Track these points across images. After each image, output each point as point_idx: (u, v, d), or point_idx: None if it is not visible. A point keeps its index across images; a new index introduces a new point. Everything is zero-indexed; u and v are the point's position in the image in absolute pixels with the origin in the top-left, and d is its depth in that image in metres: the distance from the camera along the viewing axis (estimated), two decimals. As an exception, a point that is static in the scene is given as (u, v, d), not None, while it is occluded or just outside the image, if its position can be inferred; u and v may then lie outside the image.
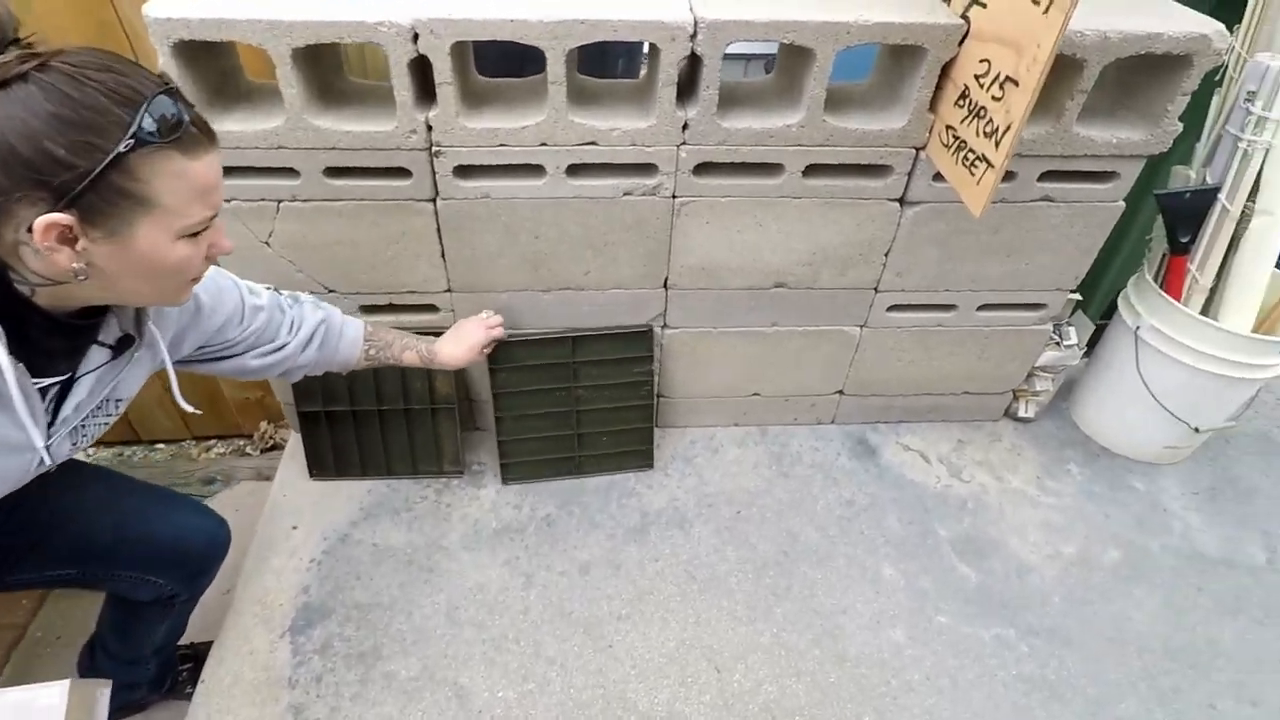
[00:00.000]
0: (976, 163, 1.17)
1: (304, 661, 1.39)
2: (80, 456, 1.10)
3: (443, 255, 1.44)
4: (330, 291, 1.47)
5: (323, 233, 1.37)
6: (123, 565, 1.18)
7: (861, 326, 1.65)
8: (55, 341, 0.84)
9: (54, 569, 1.13)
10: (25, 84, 0.65)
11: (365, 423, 1.63)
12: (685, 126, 1.28)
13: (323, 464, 1.67)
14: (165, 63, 1.14)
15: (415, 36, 1.15)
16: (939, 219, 1.45)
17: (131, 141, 0.69)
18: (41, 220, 0.67)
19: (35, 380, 0.81)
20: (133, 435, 2.17)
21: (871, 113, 1.35)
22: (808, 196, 1.40)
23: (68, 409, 0.88)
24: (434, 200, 1.35)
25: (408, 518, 1.63)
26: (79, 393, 0.88)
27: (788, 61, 1.37)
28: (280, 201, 1.33)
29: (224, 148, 1.23)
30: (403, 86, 1.20)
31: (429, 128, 1.25)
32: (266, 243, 1.38)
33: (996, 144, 1.12)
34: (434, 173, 1.31)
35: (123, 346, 0.92)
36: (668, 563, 1.56)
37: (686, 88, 1.27)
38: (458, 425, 1.66)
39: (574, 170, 1.33)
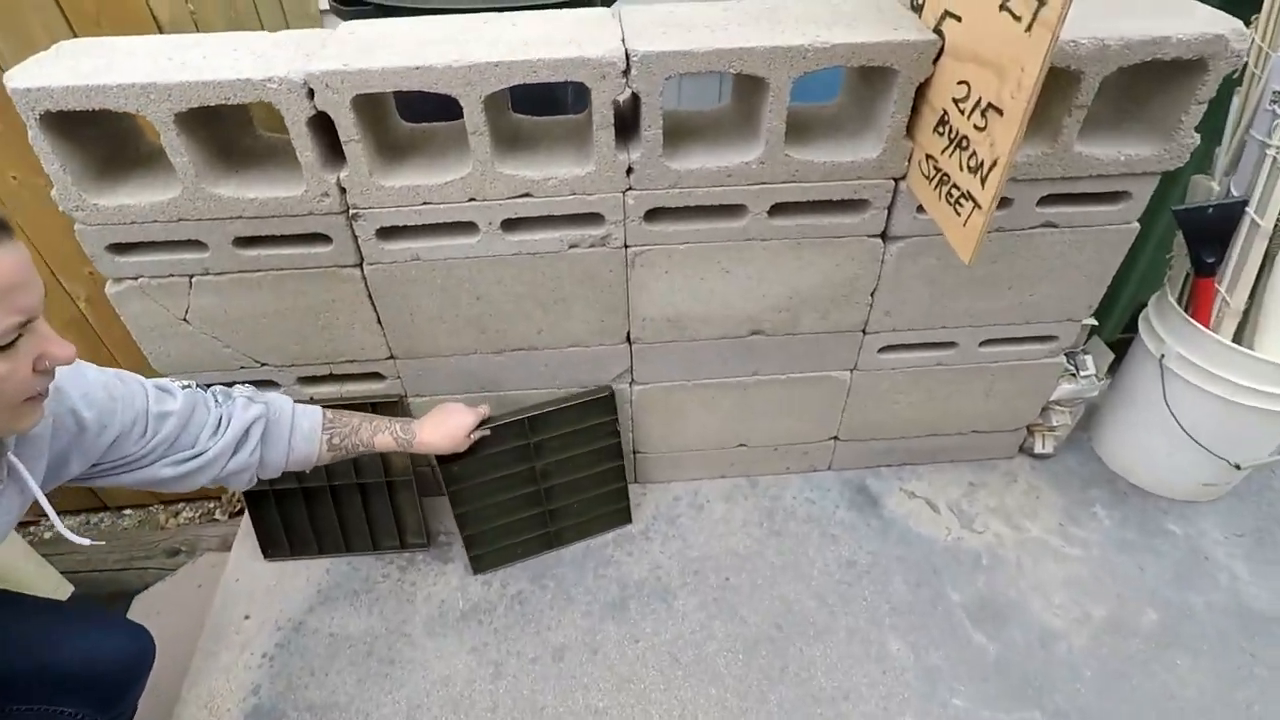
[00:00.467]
0: (962, 201, 1.01)
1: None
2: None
3: (379, 321, 1.31)
4: (263, 365, 1.35)
5: (243, 305, 1.25)
6: (19, 699, 1.06)
7: (852, 370, 1.49)
8: None
9: None
10: None
11: (317, 499, 1.51)
12: (630, 170, 1.14)
13: (276, 544, 1.55)
14: (34, 136, 1.02)
15: (311, 93, 1.02)
16: (928, 253, 1.29)
17: None
18: None
19: None
20: (98, 503, 2.08)
21: (842, 140, 1.19)
22: (776, 238, 1.25)
23: None
24: (360, 265, 1.22)
25: (368, 600, 1.50)
26: None
27: (742, 87, 1.22)
28: (192, 276, 1.21)
29: (118, 223, 1.13)
30: (305, 147, 1.07)
31: (342, 189, 1.12)
32: (184, 319, 1.26)
33: (983, 181, 0.96)
34: (355, 237, 1.18)
35: None
36: (649, 644, 1.41)
37: (629, 126, 1.13)
38: (416, 496, 1.53)
39: (510, 225, 1.19)
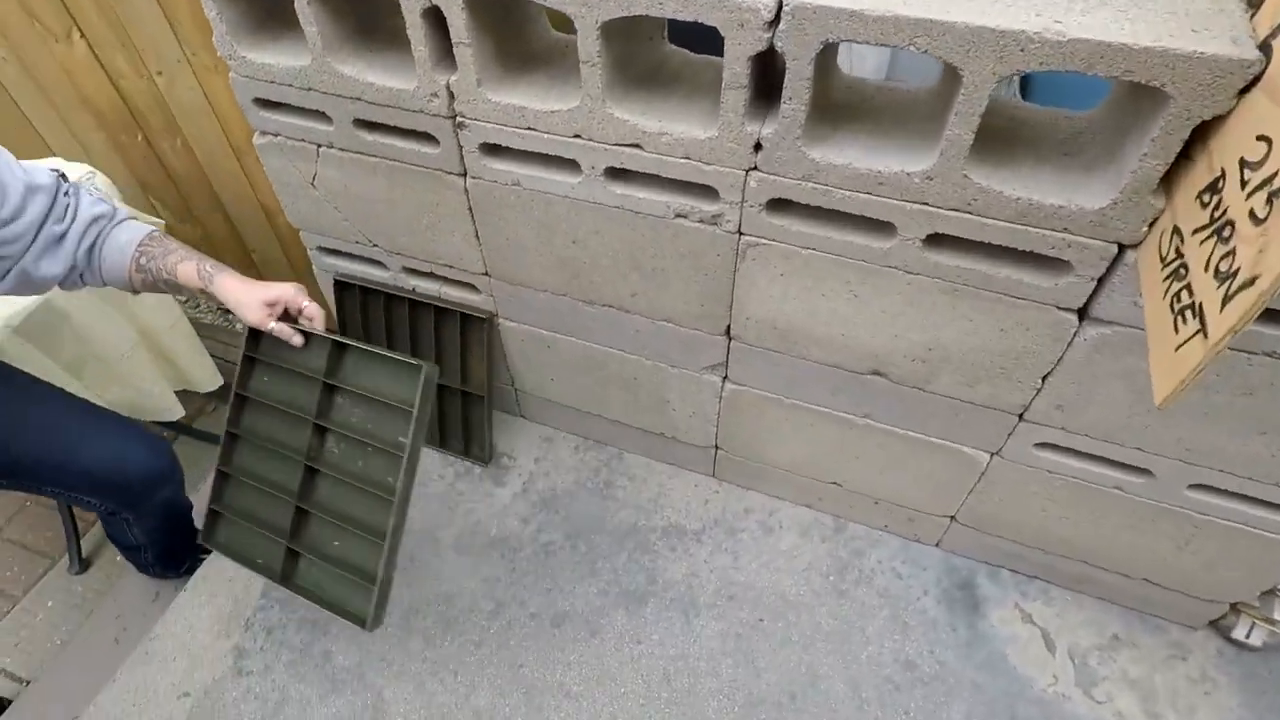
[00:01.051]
0: (1187, 314, 0.69)
1: (265, 607, 1.39)
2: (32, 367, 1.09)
3: (477, 236, 1.24)
4: (374, 246, 1.36)
5: (360, 186, 1.24)
6: (48, 483, 1.21)
7: (993, 455, 1.18)
8: None
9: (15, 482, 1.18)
10: None
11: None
12: (758, 147, 0.92)
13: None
14: (197, -20, 1.04)
15: (428, -20, 0.91)
16: (1141, 353, 0.93)
17: None
18: None
19: None
20: None
21: (1063, 173, 0.86)
22: (928, 275, 0.96)
23: None
24: (464, 176, 1.14)
25: (418, 494, 1.52)
26: None
27: (948, 72, 0.92)
28: (319, 146, 1.21)
29: (263, 80, 1.14)
30: (419, 40, 0.98)
31: (451, 94, 1.03)
32: (312, 184, 1.28)
33: (1225, 298, 0.63)
34: (460, 146, 1.10)
35: None
36: (649, 651, 1.31)
37: (771, 91, 0.90)
38: (488, 413, 1.50)
39: (614, 174, 1.04)
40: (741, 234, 1.03)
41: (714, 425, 1.39)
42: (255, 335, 1.13)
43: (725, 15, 0.81)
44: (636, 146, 0.98)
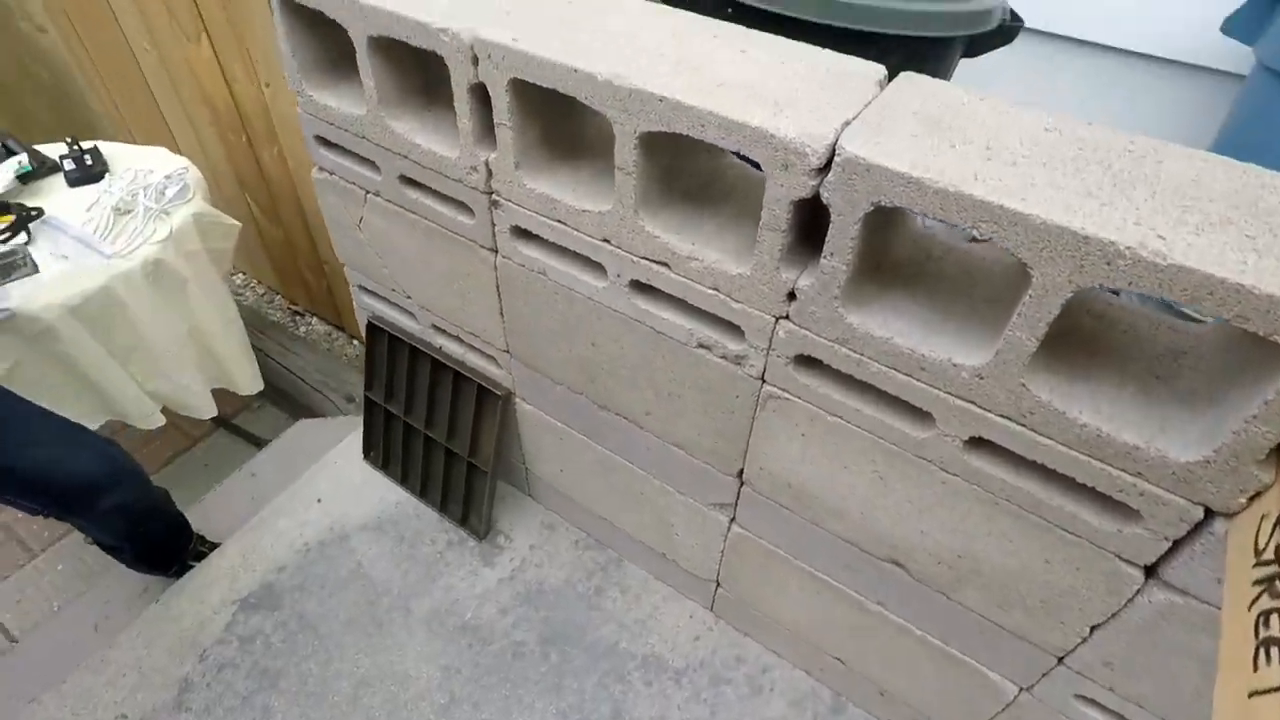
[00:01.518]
0: (1272, 652, 0.52)
1: (225, 641, 1.34)
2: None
3: (501, 313, 1.17)
4: (408, 298, 1.32)
5: (400, 239, 1.21)
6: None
7: (1022, 689, 0.99)
8: None
9: None
10: None
11: (413, 436, 1.49)
12: (792, 296, 0.81)
13: (373, 450, 1.59)
14: (276, 17, 1.03)
15: (475, 59, 0.86)
16: (1217, 632, 0.74)
17: None
18: None
19: None
20: (339, 323, 2.32)
21: (1146, 402, 0.70)
22: (966, 480, 0.81)
23: None
24: (494, 252, 1.09)
25: (406, 554, 1.47)
26: None
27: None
28: (367, 192, 1.19)
29: (324, 120, 1.13)
30: (464, 113, 0.93)
31: (489, 171, 0.97)
32: (358, 226, 1.26)
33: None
34: (493, 223, 1.04)
35: None
36: (591, 799, 1.17)
37: (812, 235, 0.79)
38: (490, 488, 1.43)
39: (639, 287, 0.95)
40: (764, 382, 0.91)
41: (716, 562, 1.26)
42: None
43: (769, 153, 0.71)
44: (665, 265, 0.89)
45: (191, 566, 1.54)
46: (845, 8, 1.14)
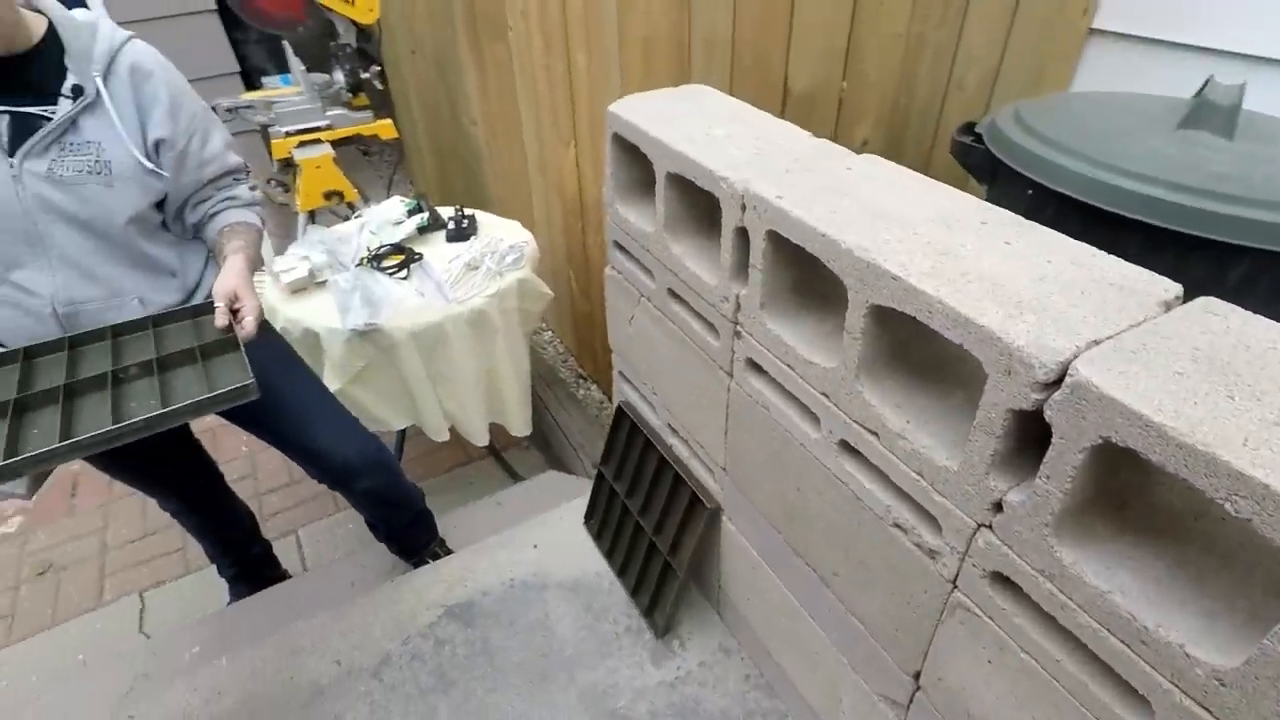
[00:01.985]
0: None
1: (425, 636, 1.53)
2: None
3: (725, 434, 1.22)
4: (655, 395, 1.44)
5: (659, 342, 1.33)
6: (282, 444, 1.53)
7: None
8: None
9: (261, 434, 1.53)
10: None
11: (626, 517, 1.58)
12: (998, 507, 0.73)
13: (594, 517, 1.71)
14: (608, 145, 1.25)
15: (744, 206, 0.95)
16: None
17: None
18: None
19: None
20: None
21: None
22: (1182, 800, 0.64)
23: (33, 142, 1.10)
24: (730, 377, 1.14)
25: (589, 623, 1.55)
26: (42, 132, 1.10)
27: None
28: (641, 295, 1.34)
29: (622, 230, 1.32)
30: (727, 249, 1.02)
31: (738, 304, 1.05)
32: (629, 322, 1.42)
33: None
34: (733, 351, 1.10)
35: (77, 97, 1.12)
36: None
37: (1034, 443, 0.71)
38: (675, 594, 1.45)
39: (847, 448, 0.93)
40: (955, 587, 0.82)
41: (878, 762, 1.12)
42: None
43: (993, 354, 0.67)
44: (875, 435, 0.86)
45: (428, 562, 1.80)
46: (1188, 213, 1.01)
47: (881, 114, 1.49)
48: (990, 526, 0.75)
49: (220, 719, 1.41)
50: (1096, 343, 0.64)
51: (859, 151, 1.29)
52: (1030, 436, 0.71)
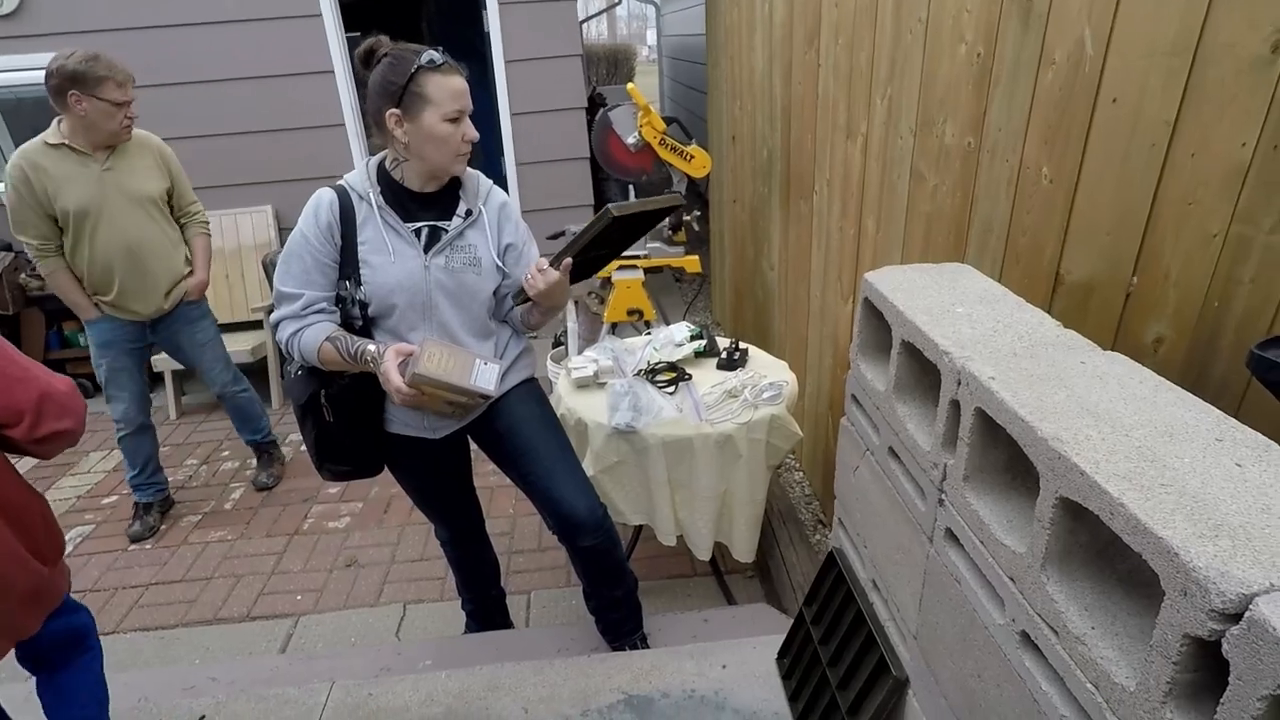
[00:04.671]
0: None
1: (601, 714, 1.65)
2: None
3: (920, 601, 1.20)
4: (865, 548, 1.44)
5: (875, 495, 1.37)
6: (530, 492, 1.76)
7: None
8: (416, 205, 1.57)
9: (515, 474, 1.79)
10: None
11: (815, 665, 1.56)
12: (1173, 747, 0.66)
13: (787, 656, 1.71)
14: (859, 311, 1.37)
15: (959, 381, 1.00)
16: None
17: (415, 69, 1.42)
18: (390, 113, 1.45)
19: (408, 224, 1.55)
20: None
21: None
22: None
23: (442, 240, 1.56)
24: (930, 543, 1.14)
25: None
26: (445, 238, 1.57)
27: None
28: (866, 449, 1.39)
29: (860, 386, 1.41)
30: (941, 419, 1.07)
31: (944, 474, 1.07)
32: (854, 472, 1.47)
33: None
34: (935, 518, 1.11)
35: (468, 216, 1.60)
36: None
37: (1219, 673, 0.64)
38: (848, 760, 1.39)
39: (1028, 643, 0.88)
40: (1123, 832, 0.73)
41: None
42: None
43: (1169, 570, 0.64)
44: (1054, 633, 0.82)
45: (626, 649, 1.93)
46: None
47: (1185, 316, 1.42)
48: (1162, 768, 0.68)
49: (428, 721, 1.66)
50: (1300, 586, 0.59)
51: (1154, 352, 1.26)
52: (1216, 673, 0.65)
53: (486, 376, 1.51)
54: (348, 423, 1.65)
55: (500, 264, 1.66)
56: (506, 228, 1.67)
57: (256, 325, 3.97)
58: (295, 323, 1.55)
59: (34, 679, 1.47)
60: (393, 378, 1.46)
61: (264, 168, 4.03)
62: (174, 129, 3.89)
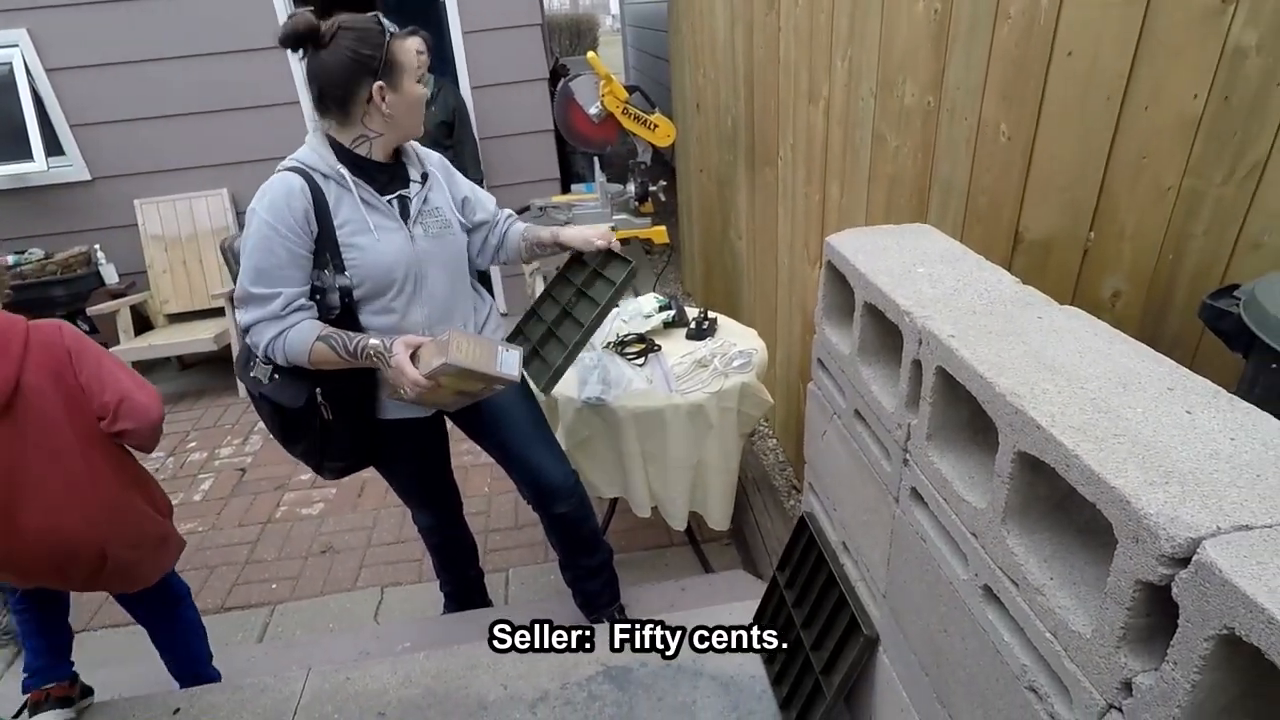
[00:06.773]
0: None
1: (581, 686, 1.66)
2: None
3: (888, 561, 1.21)
4: (835, 511, 1.46)
5: (842, 459, 1.37)
6: (504, 460, 1.79)
7: None
8: (385, 177, 1.52)
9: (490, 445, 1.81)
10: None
11: (789, 627, 1.58)
12: (1128, 688, 0.68)
13: (763, 620, 1.72)
14: (822, 274, 1.36)
15: (920, 341, 1.00)
16: None
17: (389, 37, 1.41)
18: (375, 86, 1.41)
19: (384, 196, 1.51)
20: None
21: None
22: None
23: (412, 210, 1.54)
24: (896, 503, 1.15)
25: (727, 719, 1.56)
26: (414, 203, 1.54)
27: None
28: (833, 413, 1.40)
29: (824, 348, 1.41)
30: (904, 379, 1.07)
31: (908, 434, 1.07)
32: (821, 436, 1.48)
33: None
34: (900, 478, 1.12)
35: (424, 180, 1.59)
36: None
37: (1168, 624, 0.65)
38: (821, 715, 1.41)
39: (990, 596, 0.90)
40: (1082, 773, 0.75)
41: None
42: (571, 262, 1.88)
43: (1121, 518, 0.65)
44: (1014, 585, 0.84)
45: (604, 621, 1.94)
46: None
47: (1141, 269, 1.43)
48: (1120, 709, 0.69)
49: (406, 702, 1.66)
50: (1246, 528, 0.60)
51: (1111, 306, 1.26)
52: (1167, 617, 0.66)
53: (510, 362, 1.48)
54: (348, 418, 1.60)
55: (463, 220, 1.68)
56: (455, 181, 1.70)
57: (218, 313, 3.88)
58: (275, 325, 1.43)
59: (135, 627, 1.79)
60: (408, 371, 1.39)
61: (219, 149, 3.90)
62: (122, 111, 3.76)
